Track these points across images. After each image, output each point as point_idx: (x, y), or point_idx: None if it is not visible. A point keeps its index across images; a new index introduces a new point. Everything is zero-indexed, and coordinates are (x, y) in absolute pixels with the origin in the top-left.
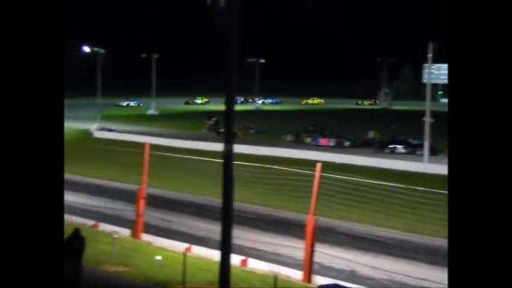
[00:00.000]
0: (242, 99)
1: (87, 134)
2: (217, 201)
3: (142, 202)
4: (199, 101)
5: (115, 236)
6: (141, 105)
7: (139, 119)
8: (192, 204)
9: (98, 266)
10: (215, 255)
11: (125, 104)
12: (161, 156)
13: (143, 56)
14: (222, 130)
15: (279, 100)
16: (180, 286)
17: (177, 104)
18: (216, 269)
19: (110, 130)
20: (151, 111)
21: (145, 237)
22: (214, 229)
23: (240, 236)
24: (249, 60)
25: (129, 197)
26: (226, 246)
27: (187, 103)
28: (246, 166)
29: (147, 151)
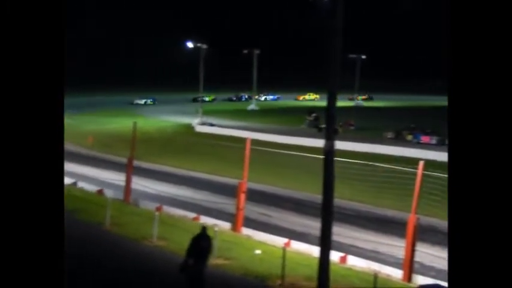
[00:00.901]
0: (247, 96)
1: (189, 129)
2: (317, 197)
3: (242, 196)
4: (262, 98)
5: (216, 229)
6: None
7: (239, 114)
8: (292, 199)
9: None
10: (314, 251)
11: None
12: (261, 151)
13: (245, 51)
14: (323, 126)
15: (281, 96)
16: (279, 280)
17: (277, 100)
18: (315, 265)
19: (211, 125)
20: (251, 107)
21: (245, 231)
22: (313, 225)
23: (340, 232)
24: (351, 56)
25: (229, 191)
26: (326, 242)
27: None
28: (347, 163)
29: (248, 146)
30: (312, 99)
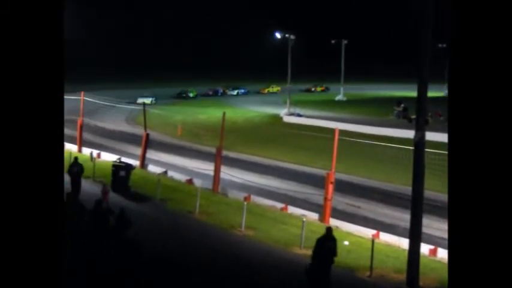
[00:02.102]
0: (222, 90)
1: (276, 119)
2: (406, 188)
3: (330, 187)
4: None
5: (304, 219)
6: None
7: (327, 104)
8: (380, 190)
9: (287, 248)
10: (403, 243)
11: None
12: (349, 141)
13: (332, 42)
14: (413, 117)
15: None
16: (368, 272)
17: (365, 90)
18: (404, 257)
19: (299, 115)
20: (339, 97)
21: (333, 221)
22: (402, 217)
23: (430, 225)
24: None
25: (316, 181)
26: (415, 235)
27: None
28: (437, 154)
29: (336, 136)
30: (275, 91)
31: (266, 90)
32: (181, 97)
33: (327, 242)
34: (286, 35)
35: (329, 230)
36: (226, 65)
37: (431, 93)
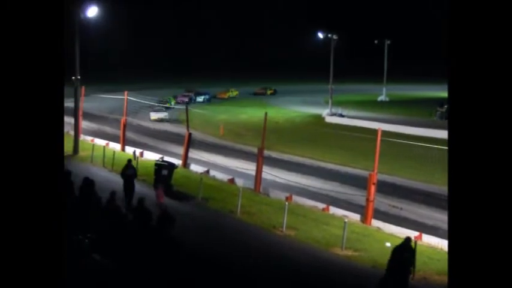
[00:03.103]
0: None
1: (319, 119)
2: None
3: (373, 188)
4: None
5: (345, 220)
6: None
7: (369, 105)
8: (422, 192)
9: (328, 249)
10: (446, 245)
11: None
12: (391, 142)
13: (375, 42)
14: None
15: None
16: (410, 274)
17: (407, 91)
18: (446, 259)
19: (341, 115)
20: (381, 98)
21: (375, 223)
22: (444, 218)
23: None
24: None
25: (358, 182)
26: None
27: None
28: None
29: (379, 137)
30: (234, 96)
31: (227, 95)
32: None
33: (404, 253)
34: (329, 35)
35: (408, 240)
36: (268, 65)
37: None
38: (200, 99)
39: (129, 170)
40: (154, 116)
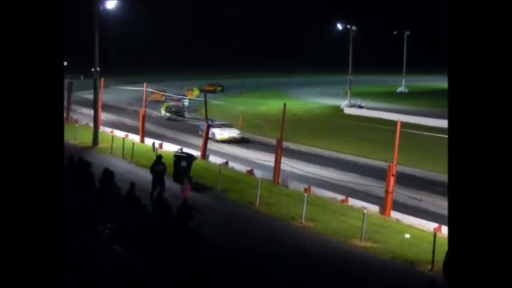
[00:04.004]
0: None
1: (337, 110)
2: None
3: (392, 179)
4: None
5: (364, 211)
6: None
7: (389, 96)
8: (442, 183)
9: (347, 241)
10: None
11: None
12: (411, 134)
13: (395, 33)
14: None
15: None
16: (429, 266)
17: (427, 82)
18: None
19: (360, 107)
20: (401, 89)
21: (394, 214)
22: None
23: None
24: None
25: (377, 174)
26: None
27: None
28: None
29: (398, 128)
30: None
31: (193, 95)
32: None
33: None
34: (348, 26)
35: None
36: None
37: None
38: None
39: (158, 166)
40: (220, 135)
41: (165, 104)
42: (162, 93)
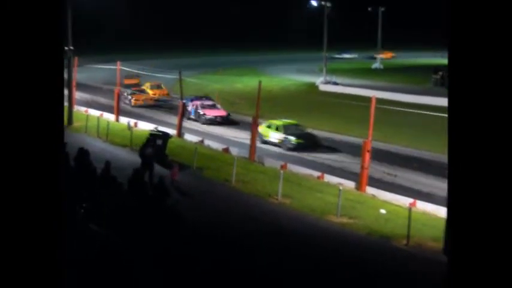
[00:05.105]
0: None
1: (312, 87)
2: (443, 156)
3: (367, 155)
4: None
5: (340, 187)
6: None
7: (363, 72)
8: (417, 159)
9: (323, 217)
10: (441, 211)
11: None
12: (386, 110)
13: (369, 9)
14: None
15: None
16: (405, 241)
17: (402, 58)
18: (441, 226)
19: (335, 83)
20: (376, 65)
21: (370, 190)
22: (440, 185)
23: None
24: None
25: (353, 150)
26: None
27: None
28: None
29: (373, 104)
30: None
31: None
32: None
33: None
34: (322, 3)
35: None
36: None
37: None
38: None
39: (147, 149)
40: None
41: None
42: (137, 78)
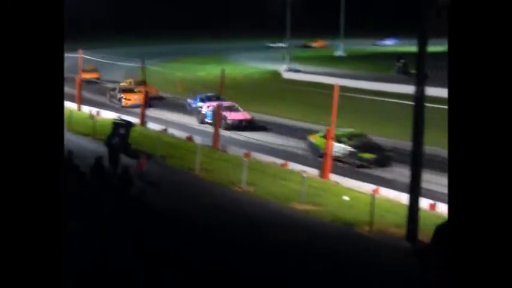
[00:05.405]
0: None
1: (276, 75)
2: (406, 143)
3: (330, 142)
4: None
5: (304, 175)
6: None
7: (327, 60)
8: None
9: (287, 204)
10: (403, 198)
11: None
12: (349, 97)
13: None
14: (412, 71)
15: None
16: (367, 227)
17: (365, 46)
18: (404, 212)
19: (298, 71)
20: (339, 53)
21: (333, 177)
22: (403, 172)
23: (430, 180)
24: None
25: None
26: (415, 189)
27: None
28: (437, 109)
29: (336, 92)
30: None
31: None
32: None
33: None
34: None
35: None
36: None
37: (431, 48)
38: None
39: (114, 138)
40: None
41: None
42: (97, 72)
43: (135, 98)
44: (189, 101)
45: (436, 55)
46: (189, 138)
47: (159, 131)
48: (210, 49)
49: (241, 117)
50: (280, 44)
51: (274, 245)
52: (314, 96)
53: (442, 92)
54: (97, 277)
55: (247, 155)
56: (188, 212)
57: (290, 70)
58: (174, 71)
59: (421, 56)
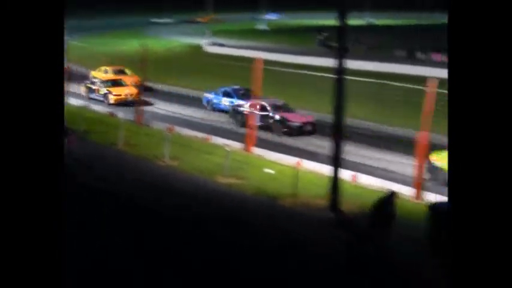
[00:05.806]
0: None
1: (199, 49)
2: (328, 116)
3: (253, 116)
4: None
5: (228, 149)
6: None
7: (249, 34)
8: None
9: (211, 177)
10: (326, 170)
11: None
12: (272, 70)
13: None
14: (333, 44)
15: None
16: (291, 199)
17: (288, 19)
18: (325, 184)
19: (221, 45)
20: (262, 26)
21: (257, 150)
22: (325, 145)
23: (352, 151)
24: None
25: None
26: (337, 161)
27: None
28: (358, 82)
29: (259, 65)
30: None
31: None
32: None
33: (387, 207)
34: None
35: (391, 195)
36: None
37: (353, 21)
38: None
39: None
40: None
41: None
42: None
43: (126, 93)
44: (208, 96)
45: (357, 29)
46: (112, 114)
47: (81, 107)
48: (134, 23)
49: (304, 119)
50: (167, 20)
51: (198, 218)
52: (236, 70)
53: (362, 65)
54: None
55: (170, 130)
56: (108, 185)
57: (214, 44)
58: (96, 46)
59: (341, 28)
